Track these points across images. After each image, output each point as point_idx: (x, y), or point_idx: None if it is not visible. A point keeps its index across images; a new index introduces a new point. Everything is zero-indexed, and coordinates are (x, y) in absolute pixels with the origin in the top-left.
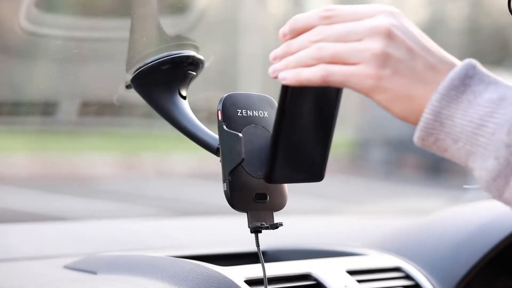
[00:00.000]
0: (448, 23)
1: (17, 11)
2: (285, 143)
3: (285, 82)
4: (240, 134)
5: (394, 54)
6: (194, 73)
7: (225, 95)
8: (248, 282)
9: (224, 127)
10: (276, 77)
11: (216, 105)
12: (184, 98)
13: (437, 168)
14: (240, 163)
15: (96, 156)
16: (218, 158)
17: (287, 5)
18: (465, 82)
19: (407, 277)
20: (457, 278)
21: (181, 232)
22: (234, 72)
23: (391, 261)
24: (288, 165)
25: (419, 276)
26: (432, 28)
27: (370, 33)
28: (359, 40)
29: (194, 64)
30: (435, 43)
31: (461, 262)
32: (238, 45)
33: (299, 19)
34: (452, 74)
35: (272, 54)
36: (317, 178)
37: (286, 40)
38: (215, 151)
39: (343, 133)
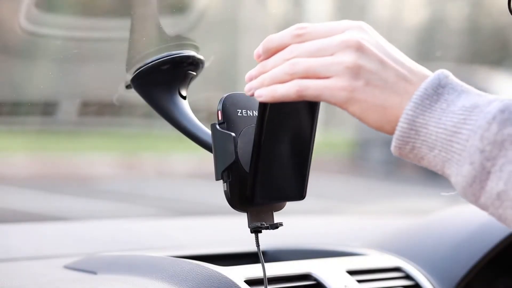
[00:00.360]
0: (448, 23)
1: (17, 11)
2: (266, 162)
3: (262, 99)
4: (233, 134)
5: (366, 66)
6: (194, 73)
7: (225, 95)
8: (248, 282)
9: (217, 126)
10: (252, 95)
11: (216, 105)
12: (184, 98)
13: None
14: (232, 163)
15: (96, 156)
16: None
17: (287, 5)
18: (438, 91)
19: (407, 277)
20: (457, 278)
21: (181, 232)
22: (234, 72)
23: (391, 261)
24: (270, 184)
25: (419, 276)
26: (432, 28)
27: (341, 47)
28: (331, 55)
29: (194, 64)
30: (405, 55)
31: (461, 262)
32: (238, 45)
33: (272, 39)
34: (425, 83)
35: (248, 75)
36: (299, 197)
37: (261, 61)
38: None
39: (343, 133)
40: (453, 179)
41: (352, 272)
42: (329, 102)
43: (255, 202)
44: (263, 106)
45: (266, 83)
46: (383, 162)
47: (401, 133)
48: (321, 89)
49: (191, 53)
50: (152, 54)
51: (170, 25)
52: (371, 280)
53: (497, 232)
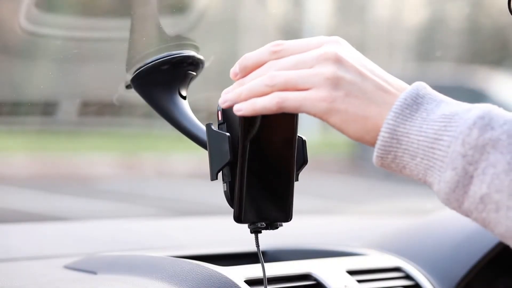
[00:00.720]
0: (448, 23)
1: (17, 11)
2: (251, 180)
3: (241, 113)
4: (228, 134)
5: (345, 77)
6: (194, 73)
7: None
8: (248, 282)
9: (212, 127)
10: (227, 107)
11: (216, 105)
12: (184, 98)
13: None
14: (227, 164)
15: (96, 156)
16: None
17: (287, 5)
18: (417, 101)
19: (407, 277)
20: (457, 278)
21: (181, 232)
22: None
23: (391, 261)
24: (256, 204)
25: (419, 276)
26: (432, 28)
27: (319, 60)
28: (309, 67)
29: (194, 64)
30: (381, 69)
31: (461, 262)
32: (238, 45)
33: (249, 56)
34: (404, 94)
35: (224, 92)
36: (285, 219)
37: (238, 79)
38: None
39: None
40: (435, 187)
41: (352, 272)
42: (309, 113)
43: (242, 221)
44: (244, 121)
45: (243, 96)
46: None
47: (382, 142)
48: (301, 100)
49: (191, 53)
50: (152, 54)
51: (170, 25)
52: (371, 280)
53: None
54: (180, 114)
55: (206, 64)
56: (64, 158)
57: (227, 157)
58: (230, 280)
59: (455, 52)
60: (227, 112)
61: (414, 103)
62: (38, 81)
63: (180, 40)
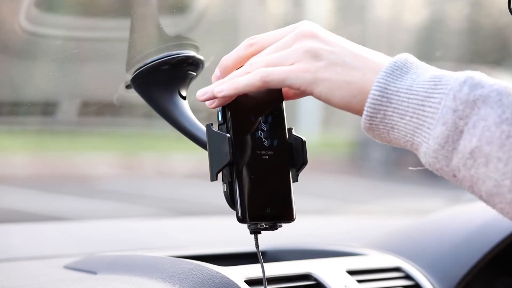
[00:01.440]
0: (448, 23)
1: (17, 11)
2: (250, 179)
3: (223, 94)
4: (228, 135)
5: (323, 48)
6: (194, 73)
7: None
8: (248, 282)
9: (212, 127)
10: (205, 99)
11: None
12: (184, 98)
13: None
14: (227, 164)
15: (96, 156)
16: None
17: (287, 5)
18: (407, 65)
19: (407, 277)
20: (457, 278)
21: (181, 232)
22: None
23: (391, 261)
24: (258, 203)
25: (419, 276)
26: (432, 28)
27: (295, 39)
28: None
29: (194, 64)
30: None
31: (461, 262)
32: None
33: (227, 57)
34: (393, 59)
35: (201, 91)
36: (289, 219)
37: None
38: None
39: (343, 133)
40: (423, 147)
41: (352, 272)
42: (294, 86)
43: (246, 222)
44: (224, 112)
45: (221, 71)
46: (383, 162)
47: (372, 101)
48: (286, 72)
49: (191, 53)
50: (152, 54)
51: (170, 25)
52: (371, 280)
53: (497, 232)
54: (180, 114)
55: (206, 64)
56: (64, 158)
57: (227, 158)
58: (230, 280)
59: (455, 52)
60: (227, 113)
61: (404, 66)
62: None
63: (180, 40)
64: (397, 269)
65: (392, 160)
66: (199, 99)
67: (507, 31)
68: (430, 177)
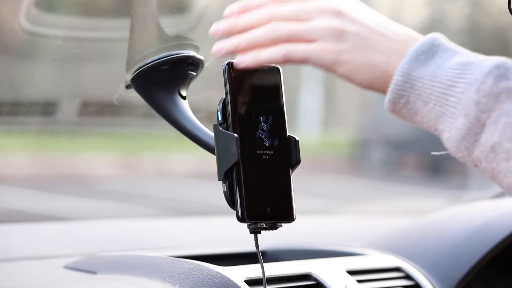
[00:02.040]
0: (448, 23)
1: (17, 11)
2: (251, 178)
3: (244, 65)
4: (236, 135)
5: (349, 29)
6: (194, 73)
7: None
8: (248, 282)
9: (219, 127)
10: (222, 55)
11: (216, 105)
12: (184, 98)
13: (437, 168)
14: (235, 164)
15: (96, 156)
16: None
17: None
18: (433, 49)
19: (407, 277)
20: (457, 278)
21: (181, 232)
22: None
23: (391, 261)
24: (259, 202)
25: (419, 276)
26: (432, 28)
27: (321, 12)
28: (310, 19)
29: (194, 64)
30: (388, 19)
31: (461, 262)
32: None
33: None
34: (420, 41)
35: (214, 28)
36: (289, 219)
37: (234, 17)
38: (214, 151)
39: (343, 133)
40: (446, 134)
41: (352, 272)
42: (316, 64)
43: (245, 221)
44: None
45: (243, 46)
46: (383, 162)
47: (396, 86)
48: (309, 51)
49: (191, 53)
50: (152, 54)
51: (170, 25)
52: (371, 280)
53: (497, 232)
54: (180, 114)
55: (206, 64)
56: (64, 158)
57: (235, 158)
58: (230, 280)
59: None
60: (227, 113)
61: (430, 51)
62: (38, 81)
63: (180, 40)
64: (397, 269)
65: (392, 160)
66: (216, 56)
67: (507, 31)
68: (430, 177)
